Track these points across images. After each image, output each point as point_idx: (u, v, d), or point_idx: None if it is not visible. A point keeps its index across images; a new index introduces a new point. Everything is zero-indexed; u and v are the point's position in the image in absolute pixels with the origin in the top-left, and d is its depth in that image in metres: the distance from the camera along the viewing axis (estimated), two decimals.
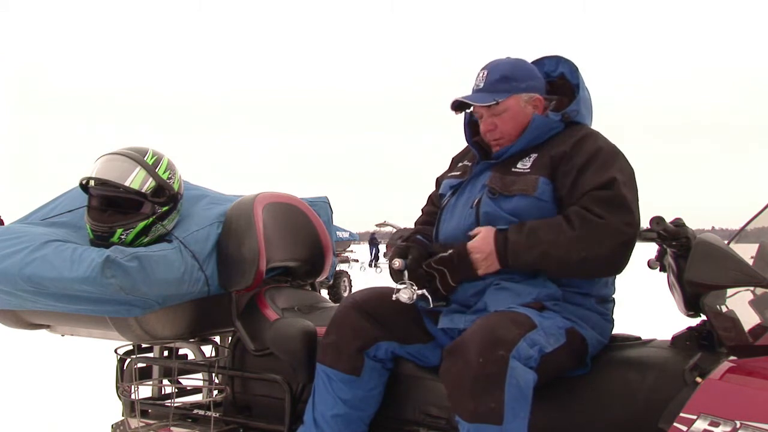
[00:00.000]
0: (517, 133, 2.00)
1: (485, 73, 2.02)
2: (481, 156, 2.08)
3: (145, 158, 2.32)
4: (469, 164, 2.11)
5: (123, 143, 2.41)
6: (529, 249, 1.83)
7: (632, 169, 1.94)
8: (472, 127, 2.13)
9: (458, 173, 2.12)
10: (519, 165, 1.96)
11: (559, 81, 2.09)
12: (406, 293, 1.89)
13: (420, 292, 1.90)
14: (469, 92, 2.03)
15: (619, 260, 1.83)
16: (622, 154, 1.95)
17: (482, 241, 1.88)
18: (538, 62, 2.12)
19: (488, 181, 1.97)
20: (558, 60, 2.11)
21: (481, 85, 2.01)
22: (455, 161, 2.22)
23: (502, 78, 2.00)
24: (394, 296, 1.90)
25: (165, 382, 2.52)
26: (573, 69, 2.09)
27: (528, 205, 1.89)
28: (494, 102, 1.97)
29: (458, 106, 2.05)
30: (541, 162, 1.93)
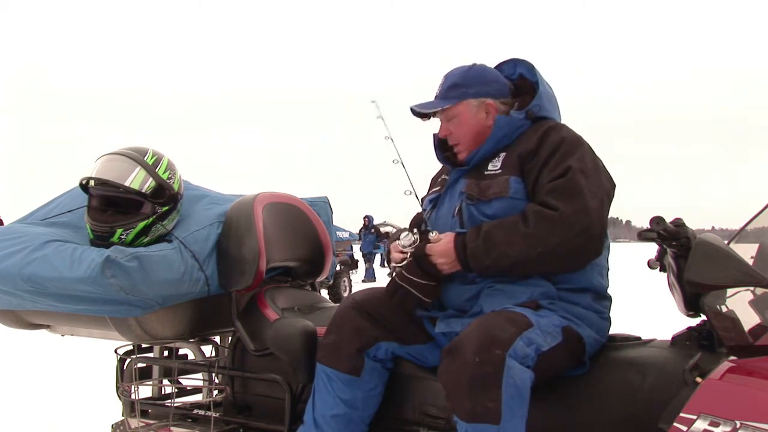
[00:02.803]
0: (472, 138, 2.04)
1: (443, 80, 2.10)
2: (453, 168, 2.10)
3: (145, 158, 2.32)
4: (447, 178, 2.13)
5: (123, 143, 2.41)
6: (486, 253, 1.84)
7: (596, 158, 1.95)
8: (441, 145, 2.17)
9: (437, 188, 2.16)
10: (490, 166, 1.99)
11: (519, 82, 2.13)
12: (409, 238, 1.96)
13: (414, 236, 1.95)
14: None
15: (580, 250, 1.83)
16: (586, 144, 1.96)
17: (445, 247, 1.90)
18: (497, 68, 2.16)
19: (465, 187, 2.00)
20: (515, 62, 2.15)
21: (438, 92, 2.10)
22: (434, 180, 2.26)
23: (453, 85, 2.07)
24: (398, 243, 1.97)
25: (165, 382, 2.52)
26: (530, 68, 2.12)
27: (505, 206, 1.91)
28: (439, 109, 2.06)
29: (417, 113, 2.12)
30: (510, 161, 1.96)
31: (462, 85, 2.06)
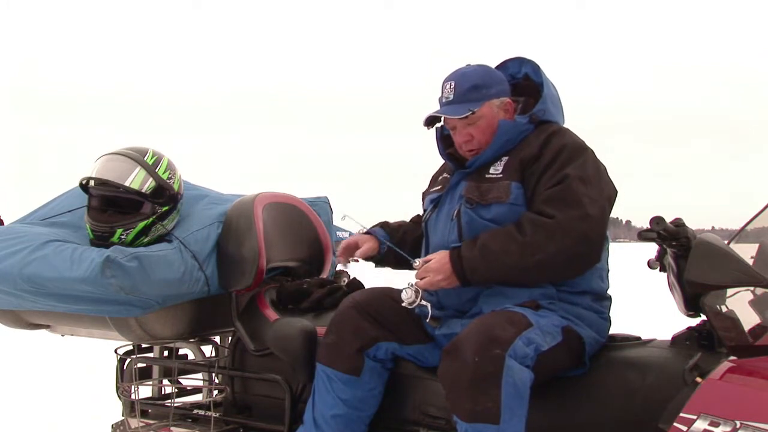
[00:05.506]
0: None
1: (452, 84, 1.99)
2: (456, 167, 2.08)
3: (145, 158, 2.32)
4: (448, 177, 2.10)
5: (123, 143, 2.42)
6: (484, 263, 1.83)
7: (598, 164, 1.93)
8: (444, 141, 2.13)
9: (438, 187, 2.13)
10: (491, 170, 1.96)
11: (524, 82, 2.08)
12: (408, 294, 1.89)
13: (424, 303, 1.88)
14: (436, 106, 2.03)
15: (580, 256, 1.83)
16: (589, 151, 1.94)
17: (438, 264, 1.87)
18: (502, 66, 2.12)
19: (464, 191, 1.98)
20: (521, 61, 2.10)
21: (451, 96, 1.99)
22: (435, 177, 2.22)
23: (473, 87, 1.98)
24: (402, 296, 1.90)
25: (165, 382, 2.52)
26: (536, 68, 2.07)
27: (505, 211, 1.90)
28: (470, 112, 1.96)
29: (430, 121, 2.04)
30: (512, 166, 1.94)
31: (483, 85, 1.98)
